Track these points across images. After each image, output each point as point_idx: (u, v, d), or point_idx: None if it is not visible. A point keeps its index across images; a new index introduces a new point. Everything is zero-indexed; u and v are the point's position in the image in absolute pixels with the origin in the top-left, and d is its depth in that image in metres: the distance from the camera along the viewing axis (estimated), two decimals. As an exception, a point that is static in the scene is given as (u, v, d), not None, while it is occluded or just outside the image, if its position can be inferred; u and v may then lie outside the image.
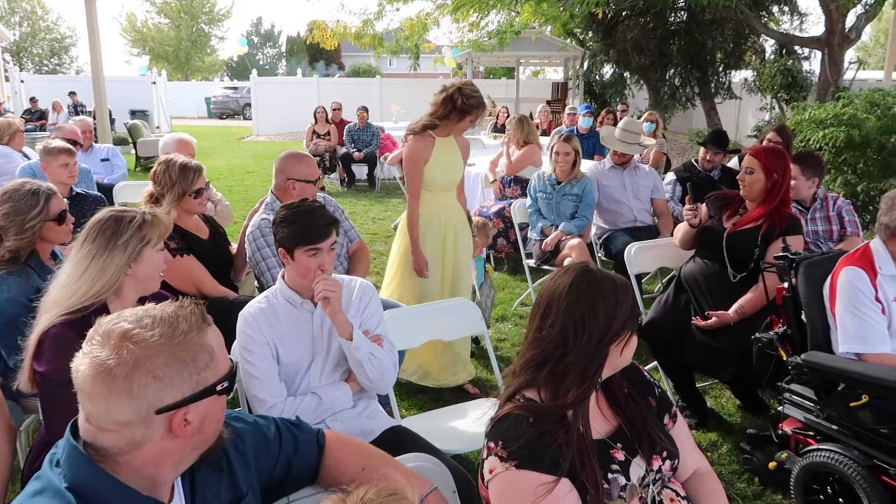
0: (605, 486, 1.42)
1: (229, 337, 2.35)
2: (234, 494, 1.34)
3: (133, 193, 5.40)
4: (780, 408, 2.85)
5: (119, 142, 12.81)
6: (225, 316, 2.44)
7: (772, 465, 2.78)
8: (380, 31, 17.45)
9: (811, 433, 2.69)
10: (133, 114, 17.85)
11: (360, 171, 10.64)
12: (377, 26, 16.90)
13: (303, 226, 2.21)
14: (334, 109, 11.26)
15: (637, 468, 1.47)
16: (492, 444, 1.45)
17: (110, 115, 12.99)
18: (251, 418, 1.48)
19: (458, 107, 3.49)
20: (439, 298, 3.67)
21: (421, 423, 2.65)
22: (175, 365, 1.14)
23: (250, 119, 23.05)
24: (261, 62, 46.06)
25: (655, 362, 3.58)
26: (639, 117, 7.88)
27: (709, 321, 3.20)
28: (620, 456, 1.48)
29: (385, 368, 2.28)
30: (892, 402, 2.38)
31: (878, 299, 2.49)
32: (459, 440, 2.52)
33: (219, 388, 1.20)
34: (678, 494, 1.53)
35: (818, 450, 2.58)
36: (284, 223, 2.24)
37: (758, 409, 3.52)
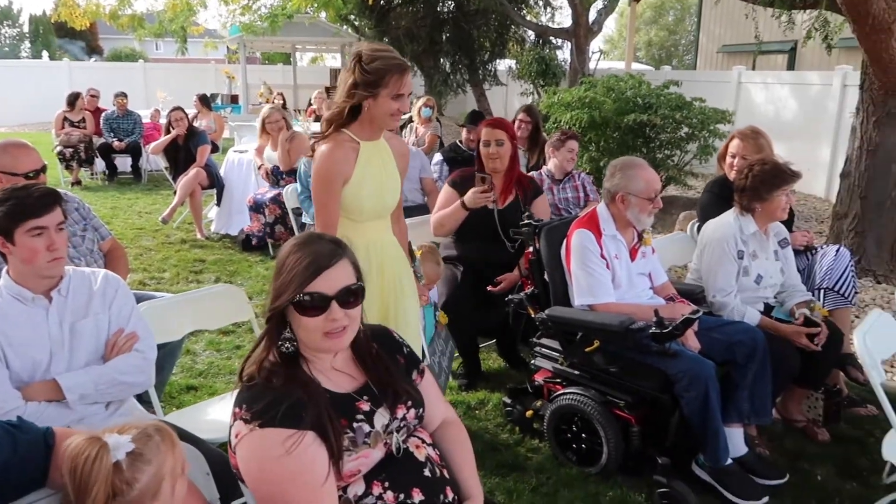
0: (351, 434, 1.49)
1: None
2: None
3: None
4: (533, 361, 3.14)
5: None
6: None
7: (529, 413, 3.07)
8: (141, 11, 16.14)
9: (559, 380, 3.01)
10: None
11: (124, 162, 9.80)
12: (137, 6, 15.60)
13: (17, 201, 2.01)
14: (92, 96, 10.24)
15: (381, 417, 1.57)
16: (237, 410, 1.48)
17: None
18: None
19: (360, 79, 2.30)
20: None
21: (184, 417, 2.55)
22: None
23: (-14, 108, 20.11)
24: (-2, 43, 40.37)
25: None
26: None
27: (500, 285, 3.50)
28: (366, 407, 1.56)
29: (123, 381, 2.14)
30: (616, 344, 2.72)
31: (602, 256, 2.84)
32: (224, 429, 2.45)
33: None
34: (423, 441, 1.65)
35: (563, 394, 2.89)
36: None
37: (520, 366, 3.85)
